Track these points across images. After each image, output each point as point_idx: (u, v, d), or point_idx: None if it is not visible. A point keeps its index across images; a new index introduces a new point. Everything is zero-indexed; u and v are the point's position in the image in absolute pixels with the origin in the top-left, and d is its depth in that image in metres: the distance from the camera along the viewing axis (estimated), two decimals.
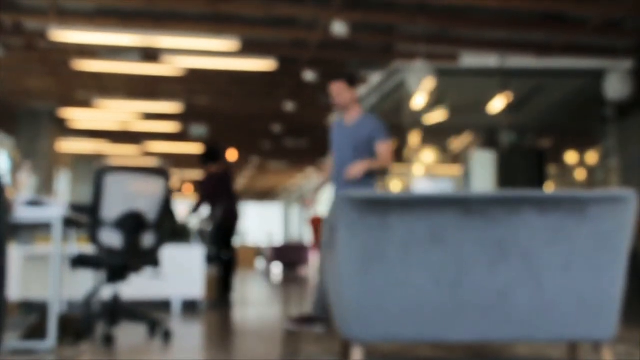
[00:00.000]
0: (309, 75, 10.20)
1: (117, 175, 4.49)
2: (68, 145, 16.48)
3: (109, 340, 4.29)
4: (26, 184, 5.03)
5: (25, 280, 6.40)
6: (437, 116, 11.10)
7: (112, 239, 4.50)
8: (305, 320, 5.00)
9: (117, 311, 4.64)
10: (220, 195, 7.81)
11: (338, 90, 5.21)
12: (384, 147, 5.09)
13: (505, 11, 8.31)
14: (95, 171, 4.47)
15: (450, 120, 11.32)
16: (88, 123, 14.74)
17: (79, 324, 4.52)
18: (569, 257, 2.80)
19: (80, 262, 4.57)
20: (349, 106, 5.22)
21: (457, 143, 13.34)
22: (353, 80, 5.24)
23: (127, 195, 4.53)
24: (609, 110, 10.23)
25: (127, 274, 4.70)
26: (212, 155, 7.87)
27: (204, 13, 8.34)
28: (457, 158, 13.75)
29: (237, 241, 8.01)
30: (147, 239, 4.66)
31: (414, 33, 8.80)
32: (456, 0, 7.72)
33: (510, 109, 10.28)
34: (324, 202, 5.35)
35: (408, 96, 9.57)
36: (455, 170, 14.43)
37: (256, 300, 8.42)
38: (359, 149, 5.14)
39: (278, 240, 27.98)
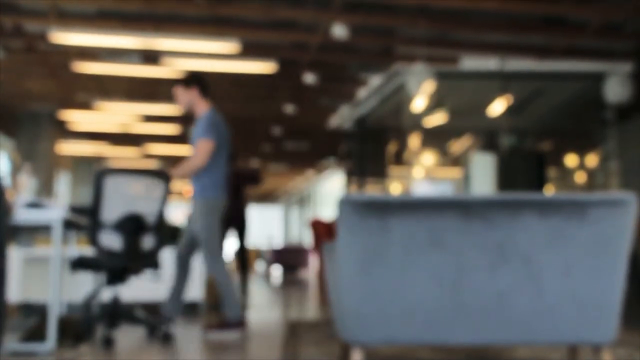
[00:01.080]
0: (309, 78, 10.20)
1: (118, 177, 4.49)
2: (68, 147, 16.49)
3: (108, 343, 4.28)
4: (26, 186, 5.03)
5: (25, 282, 6.40)
6: (437, 119, 11.10)
7: (112, 241, 4.50)
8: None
9: (117, 314, 4.64)
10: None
11: (176, 94, 5.20)
12: (198, 145, 4.99)
13: (505, 14, 8.31)
14: (96, 173, 4.48)
15: (450, 123, 11.33)
16: (88, 125, 14.74)
17: (79, 326, 4.51)
18: (569, 260, 2.80)
19: (80, 264, 4.57)
20: (193, 107, 5.19)
21: (457, 146, 13.35)
22: (189, 82, 5.18)
23: (127, 198, 4.53)
24: (609, 113, 10.24)
25: (127, 276, 4.71)
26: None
27: (204, 15, 8.35)
28: (457, 161, 13.77)
29: (245, 244, 8.31)
30: (147, 241, 4.67)
31: (414, 36, 8.80)
32: (456, 3, 7.73)
33: (510, 111, 10.28)
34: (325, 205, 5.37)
35: (408, 99, 9.58)
36: (455, 172, 14.45)
37: (256, 303, 8.42)
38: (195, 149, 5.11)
39: (278, 243, 27.98)
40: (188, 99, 5.18)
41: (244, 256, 8.18)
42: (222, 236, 5.11)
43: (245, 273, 8.18)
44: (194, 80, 5.22)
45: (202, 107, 5.19)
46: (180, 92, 5.19)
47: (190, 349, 4.39)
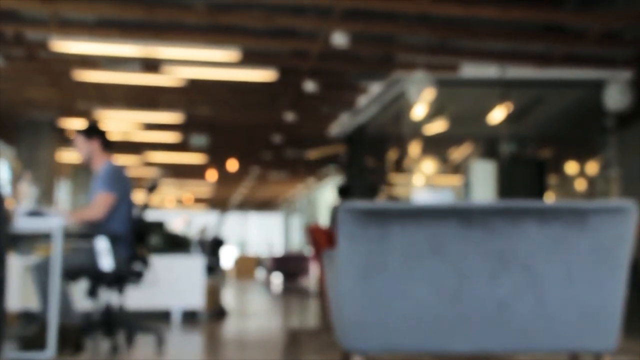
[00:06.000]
0: (310, 86, 10.21)
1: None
2: (68, 155, 16.49)
3: (114, 351, 4.28)
4: (26, 194, 5.03)
5: (25, 290, 6.39)
6: (437, 126, 11.11)
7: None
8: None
9: (118, 321, 4.65)
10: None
11: (77, 144, 4.97)
12: (97, 198, 4.75)
13: (505, 22, 8.32)
14: (151, 186, 4.82)
15: (450, 130, 11.33)
16: None
17: (78, 334, 4.51)
18: (569, 267, 2.80)
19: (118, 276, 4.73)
20: (92, 159, 4.96)
21: (458, 153, 13.35)
22: (91, 133, 4.95)
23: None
24: (609, 120, 10.24)
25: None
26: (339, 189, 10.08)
27: (204, 24, 8.36)
28: (458, 168, 13.76)
29: None
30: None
31: (414, 44, 8.81)
32: (456, 11, 7.73)
33: (510, 119, 10.28)
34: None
35: (408, 106, 9.58)
36: (455, 180, 14.44)
37: (256, 311, 8.41)
38: None
39: (278, 251, 27.95)
40: (86, 151, 4.95)
41: None
42: None
43: None
44: (96, 132, 5.00)
45: (100, 161, 4.97)
46: (81, 142, 4.94)
47: (193, 356, 4.38)
